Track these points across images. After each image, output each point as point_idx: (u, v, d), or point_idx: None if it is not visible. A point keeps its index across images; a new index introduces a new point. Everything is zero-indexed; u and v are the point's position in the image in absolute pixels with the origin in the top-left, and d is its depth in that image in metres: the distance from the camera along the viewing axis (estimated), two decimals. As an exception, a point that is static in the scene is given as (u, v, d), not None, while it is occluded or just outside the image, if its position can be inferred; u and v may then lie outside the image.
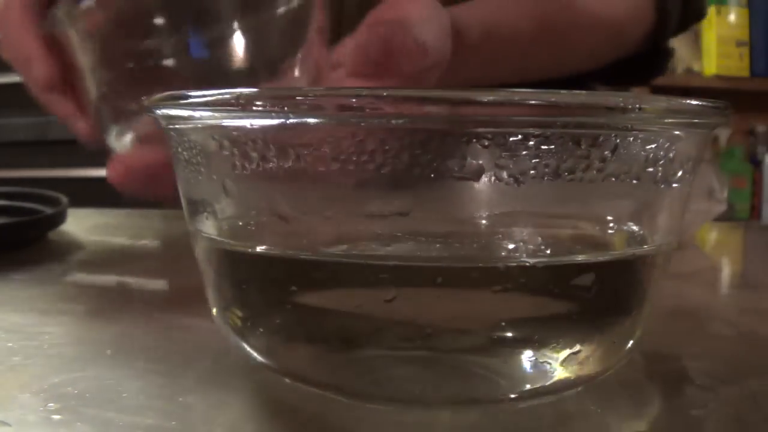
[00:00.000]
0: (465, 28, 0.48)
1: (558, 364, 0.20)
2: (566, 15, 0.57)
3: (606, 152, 0.19)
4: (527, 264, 0.19)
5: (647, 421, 0.20)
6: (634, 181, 0.20)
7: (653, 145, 0.19)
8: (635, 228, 0.21)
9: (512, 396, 0.20)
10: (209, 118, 0.20)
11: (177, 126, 0.21)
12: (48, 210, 0.48)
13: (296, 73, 0.36)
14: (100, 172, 0.38)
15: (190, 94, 0.20)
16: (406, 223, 0.20)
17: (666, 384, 0.23)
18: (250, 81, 0.35)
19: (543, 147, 0.18)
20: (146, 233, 0.56)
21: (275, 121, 0.19)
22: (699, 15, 0.66)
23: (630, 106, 0.18)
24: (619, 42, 0.62)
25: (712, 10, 2.10)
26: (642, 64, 0.64)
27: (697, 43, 2.16)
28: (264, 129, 0.19)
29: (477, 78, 0.53)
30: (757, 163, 2.15)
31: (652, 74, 0.67)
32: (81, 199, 0.56)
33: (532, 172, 0.18)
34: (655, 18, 0.62)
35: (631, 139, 0.19)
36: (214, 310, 0.23)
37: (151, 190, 0.36)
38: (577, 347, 0.20)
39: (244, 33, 0.38)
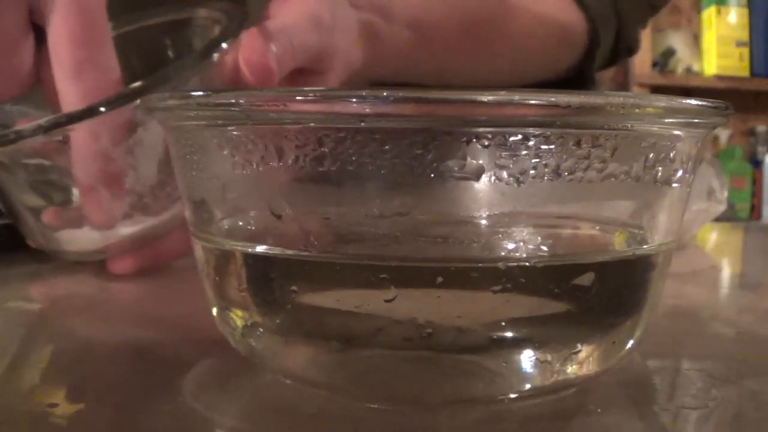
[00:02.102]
0: (390, 19, 0.48)
1: (558, 364, 0.20)
2: (496, 23, 0.57)
3: (606, 152, 0.19)
4: (527, 264, 0.19)
5: (647, 421, 0.20)
6: (634, 181, 0.20)
7: (653, 145, 0.19)
8: (635, 228, 0.21)
9: (512, 396, 0.20)
10: (209, 118, 0.20)
11: (177, 126, 0.21)
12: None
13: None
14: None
15: (190, 94, 0.20)
16: (406, 223, 0.20)
17: (666, 384, 0.23)
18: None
19: (543, 147, 0.18)
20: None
21: (275, 121, 0.19)
22: (631, 51, 0.66)
23: (630, 106, 0.18)
24: (547, 61, 0.62)
25: (712, 10, 2.10)
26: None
27: (697, 43, 2.16)
28: (264, 129, 0.19)
29: (403, 71, 0.53)
30: (757, 163, 2.15)
31: None
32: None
33: (532, 172, 0.18)
34: (587, 46, 0.61)
35: (631, 139, 0.19)
36: (214, 310, 0.23)
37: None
38: (577, 347, 0.20)
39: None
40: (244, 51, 0.36)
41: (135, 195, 0.36)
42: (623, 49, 0.64)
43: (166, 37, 0.46)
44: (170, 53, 0.46)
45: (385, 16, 0.49)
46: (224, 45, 0.35)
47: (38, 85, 0.36)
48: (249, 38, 0.36)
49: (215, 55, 0.35)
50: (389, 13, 0.49)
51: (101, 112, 0.32)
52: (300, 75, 0.40)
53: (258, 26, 0.37)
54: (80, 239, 0.37)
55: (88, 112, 0.32)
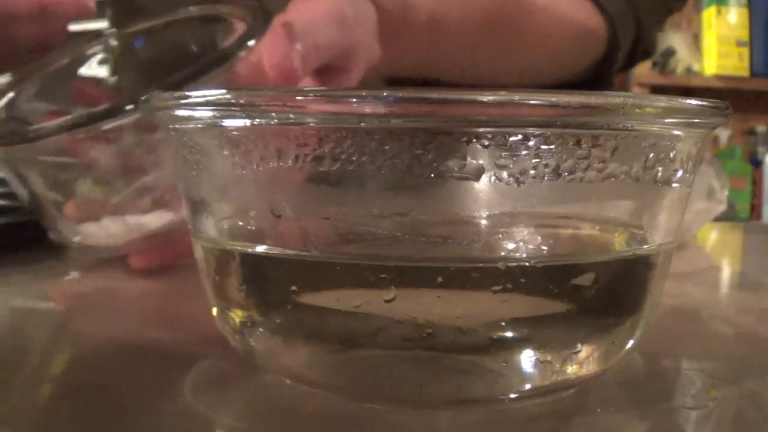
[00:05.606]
0: (409, 15, 0.49)
1: (558, 364, 0.20)
2: (514, 23, 0.57)
3: (606, 152, 0.19)
4: (527, 264, 0.19)
5: (647, 421, 0.20)
6: (634, 181, 0.20)
7: (653, 145, 0.19)
8: (635, 228, 0.21)
9: (512, 396, 0.20)
10: (209, 118, 0.20)
11: (177, 126, 0.21)
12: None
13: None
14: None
15: (190, 94, 0.20)
16: (406, 223, 0.20)
17: (666, 384, 0.23)
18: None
19: (543, 147, 0.18)
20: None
21: (275, 121, 0.19)
22: (648, 53, 0.66)
23: (630, 106, 0.18)
24: (565, 62, 0.62)
25: (712, 10, 2.10)
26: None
27: (697, 43, 2.16)
28: (264, 129, 0.19)
29: (421, 68, 0.54)
30: (757, 163, 2.15)
31: None
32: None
33: (532, 172, 0.18)
34: (606, 48, 0.61)
35: (631, 139, 0.19)
36: (215, 310, 0.23)
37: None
38: (577, 347, 0.20)
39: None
40: (268, 50, 0.36)
41: (157, 191, 0.36)
42: (641, 51, 0.65)
43: (191, 34, 0.46)
44: (195, 50, 0.46)
45: (405, 13, 0.49)
46: (250, 43, 0.35)
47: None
48: (273, 37, 0.36)
49: (241, 54, 0.35)
50: (409, 9, 0.49)
51: (125, 112, 0.32)
52: (322, 72, 0.40)
53: (282, 25, 0.37)
54: (101, 233, 0.37)
55: (111, 112, 0.32)
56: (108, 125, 0.33)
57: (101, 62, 0.45)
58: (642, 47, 0.64)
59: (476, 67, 0.58)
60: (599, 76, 0.64)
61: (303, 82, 0.38)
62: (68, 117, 0.33)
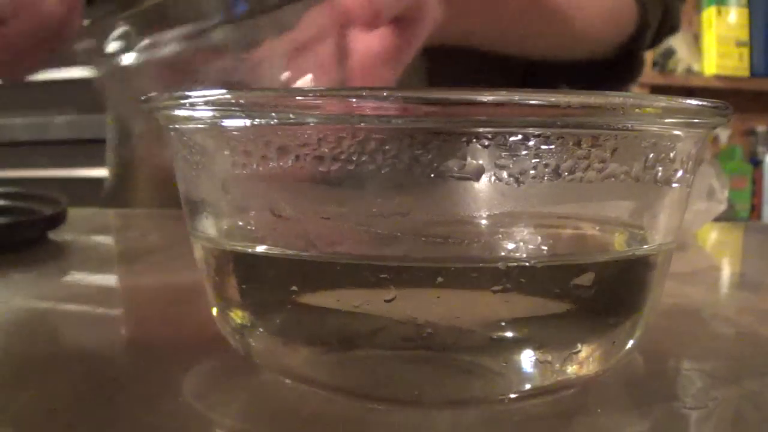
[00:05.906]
0: None
1: (558, 364, 0.20)
2: None
3: (606, 152, 0.19)
4: (527, 264, 0.19)
5: (647, 421, 0.20)
6: (634, 181, 0.20)
7: (653, 145, 0.19)
8: (635, 228, 0.21)
9: (512, 396, 0.20)
10: (209, 118, 0.20)
11: (177, 126, 0.21)
12: (48, 210, 0.48)
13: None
14: (100, 172, 0.38)
15: (190, 94, 0.20)
16: (406, 223, 0.20)
17: (666, 384, 0.23)
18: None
19: (543, 147, 0.18)
20: (146, 233, 0.56)
21: (275, 121, 0.19)
22: (674, 29, 0.68)
23: (630, 106, 0.18)
24: (599, 36, 0.64)
25: (712, 10, 2.10)
26: (613, 71, 0.66)
27: (697, 43, 2.16)
28: (264, 129, 0.19)
29: (468, 38, 0.57)
30: (757, 163, 2.15)
31: (622, 82, 0.70)
32: (81, 199, 0.56)
33: (532, 172, 0.18)
34: (637, 26, 0.63)
35: (631, 139, 0.19)
36: (215, 310, 0.23)
37: None
38: (578, 347, 0.20)
39: None
40: None
41: None
42: (667, 27, 0.66)
43: None
44: None
45: None
46: None
47: None
48: None
49: None
50: None
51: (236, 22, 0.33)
52: (397, 22, 0.41)
53: None
54: None
55: (223, 22, 0.33)
56: (219, 38, 0.33)
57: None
58: (669, 23, 0.66)
59: (521, 38, 0.60)
60: (630, 53, 0.65)
61: (381, 31, 0.39)
62: (182, 28, 0.33)
